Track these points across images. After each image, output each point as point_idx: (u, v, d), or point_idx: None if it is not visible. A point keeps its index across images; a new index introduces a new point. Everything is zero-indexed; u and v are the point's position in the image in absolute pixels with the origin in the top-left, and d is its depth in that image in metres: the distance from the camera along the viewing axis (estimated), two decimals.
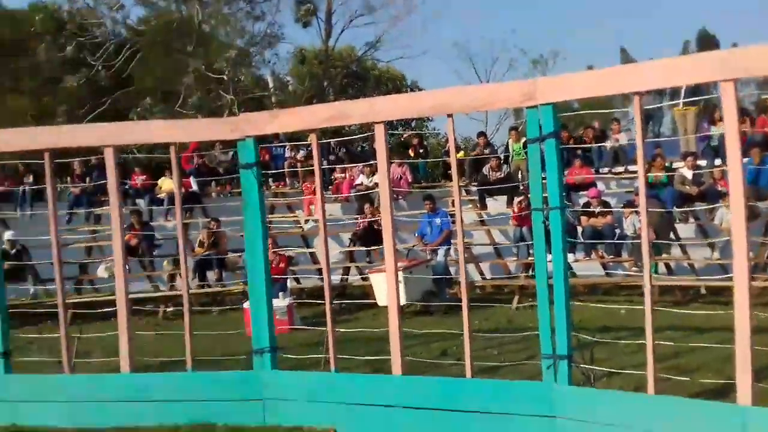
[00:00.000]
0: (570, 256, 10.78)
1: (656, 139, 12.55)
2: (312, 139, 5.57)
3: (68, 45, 20.30)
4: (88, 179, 13.70)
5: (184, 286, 5.78)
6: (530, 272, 10.23)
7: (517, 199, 11.29)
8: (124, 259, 5.79)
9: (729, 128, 3.99)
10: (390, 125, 5.44)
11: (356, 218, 12.12)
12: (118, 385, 5.59)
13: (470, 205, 12.61)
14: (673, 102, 12.67)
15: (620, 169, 12.69)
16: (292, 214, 13.32)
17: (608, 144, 12.67)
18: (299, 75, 27.32)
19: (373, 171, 12.56)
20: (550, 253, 4.65)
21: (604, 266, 10.88)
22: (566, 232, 10.27)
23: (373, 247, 11.24)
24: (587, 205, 10.95)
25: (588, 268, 10.93)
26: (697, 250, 10.65)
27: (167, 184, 13.35)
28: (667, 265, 10.50)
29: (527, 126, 4.84)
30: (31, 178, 14.24)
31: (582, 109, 17.44)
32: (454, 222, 11.17)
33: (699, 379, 4.98)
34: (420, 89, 31.75)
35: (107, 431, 5.31)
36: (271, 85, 24.12)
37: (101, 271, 11.64)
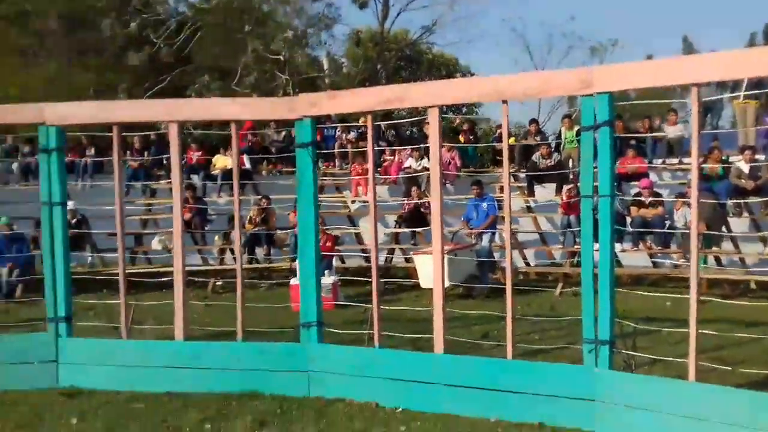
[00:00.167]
0: (617, 246, 10.71)
1: (714, 131, 12.24)
2: (368, 121, 5.67)
3: (132, 21, 20.82)
4: (146, 153, 14.16)
5: (239, 260, 5.99)
6: (575, 260, 10.20)
7: (566, 187, 11.23)
8: (181, 231, 6.02)
9: None
10: (440, 110, 5.52)
11: (403, 201, 12.23)
12: (171, 351, 5.81)
13: (518, 192, 12.58)
14: (734, 94, 12.31)
15: (674, 160, 12.47)
16: (339, 195, 13.50)
17: (665, 134, 12.43)
18: (354, 57, 27.43)
19: (422, 155, 12.63)
20: (597, 241, 4.67)
21: (652, 257, 10.76)
22: (615, 222, 10.30)
23: (418, 229, 11.36)
24: (638, 195, 10.83)
25: (635, 258, 10.83)
26: (749, 244, 10.44)
27: (221, 161, 13.71)
28: (717, 259, 10.34)
29: (582, 114, 4.84)
30: (93, 151, 14.80)
31: (638, 99, 17.10)
32: (500, 207, 11.25)
33: (743, 370, 4.95)
34: (472, 75, 31.57)
35: (160, 396, 5.53)
36: (326, 66, 24.31)
37: (155, 244, 12.06)
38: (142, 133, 13.73)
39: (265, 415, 5.01)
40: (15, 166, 14.26)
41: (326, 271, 9.78)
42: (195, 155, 13.84)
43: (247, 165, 13.57)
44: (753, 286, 9.44)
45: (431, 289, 5.40)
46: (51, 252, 5.96)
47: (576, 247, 10.06)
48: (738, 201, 10.51)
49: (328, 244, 10.64)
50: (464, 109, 24.90)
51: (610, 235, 4.59)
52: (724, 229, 10.34)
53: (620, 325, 5.18)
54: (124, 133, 6.66)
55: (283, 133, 15.26)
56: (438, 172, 5.31)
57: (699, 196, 4.39)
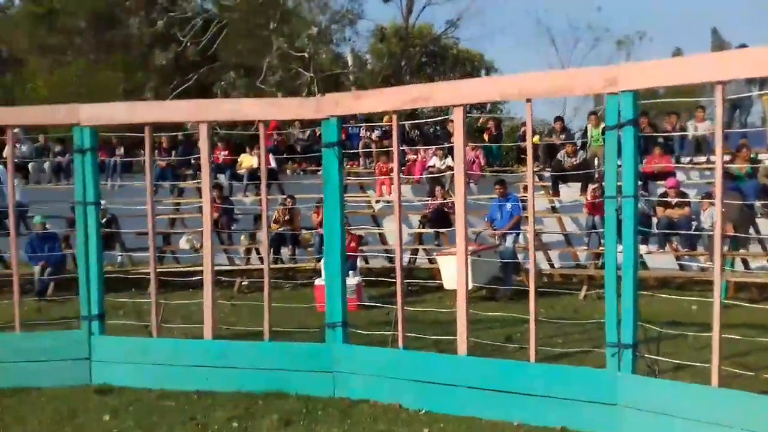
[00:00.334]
0: (643, 248, 10.62)
1: (742, 130, 12.04)
2: (393, 120, 5.73)
3: (159, 20, 21.12)
4: (173, 153, 14.37)
5: (266, 260, 6.10)
6: (600, 262, 10.13)
7: (591, 187, 11.15)
8: (210, 231, 6.13)
9: None
10: (465, 109, 5.55)
11: (427, 200, 12.26)
12: (200, 350, 5.93)
13: (542, 191, 12.52)
14: (764, 92, 12.11)
15: (702, 159, 12.30)
16: (363, 194, 13.56)
17: (689, 132, 12.28)
18: (378, 53, 27.48)
19: (446, 154, 12.64)
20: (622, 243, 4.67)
21: (678, 260, 10.65)
22: (641, 223, 10.21)
23: (442, 230, 11.38)
24: (664, 195, 10.72)
25: (661, 260, 10.73)
26: None
27: (247, 161, 13.86)
28: (745, 261, 10.19)
29: (606, 112, 4.84)
30: (122, 150, 15.05)
31: (667, 95, 16.89)
32: (525, 208, 11.23)
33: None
34: (495, 70, 31.43)
35: (189, 394, 5.65)
36: (350, 63, 24.39)
37: (183, 243, 12.23)
38: (171, 134, 13.95)
39: (290, 415, 5.11)
40: (47, 165, 14.55)
41: (350, 272, 9.84)
42: (221, 154, 14.00)
43: (273, 164, 13.70)
44: None
45: (455, 291, 5.44)
46: (85, 251, 6.12)
47: (601, 248, 9.99)
48: (767, 201, 10.35)
49: (353, 244, 10.71)
50: (489, 107, 24.83)
51: (633, 236, 4.59)
52: (752, 230, 10.20)
53: (644, 329, 5.17)
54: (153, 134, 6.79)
55: (308, 131, 15.38)
56: (462, 172, 5.35)
57: (726, 196, 4.36)
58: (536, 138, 14.00)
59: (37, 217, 11.20)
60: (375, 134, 15.26)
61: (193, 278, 8.96)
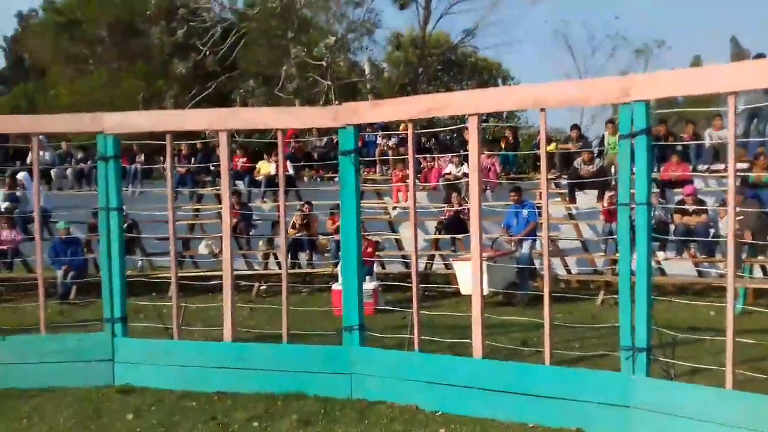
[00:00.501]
0: (660, 254, 10.63)
1: (760, 139, 12.01)
2: (408, 128, 5.83)
3: (179, 29, 21.43)
4: (193, 159, 14.58)
5: (284, 264, 6.21)
6: (617, 268, 10.13)
7: (608, 194, 11.18)
8: (229, 237, 6.26)
9: None
10: (479, 118, 5.63)
11: (443, 207, 12.34)
12: (220, 352, 6.05)
13: (559, 199, 12.55)
14: None
15: (720, 166, 12.27)
16: (380, 201, 13.67)
17: (706, 141, 12.27)
18: (395, 61, 27.64)
19: (462, 161, 12.72)
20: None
21: (697, 266, 10.63)
22: (658, 230, 10.20)
23: (458, 236, 11.45)
24: (681, 202, 10.72)
25: (680, 267, 10.71)
26: None
27: (265, 168, 14.04)
28: (763, 268, 10.16)
29: (620, 122, 4.92)
30: (142, 157, 15.29)
31: (687, 103, 16.83)
32: (541, 214, 11.24)
33: None
34: (512, 78, 31.48)
35: (210, 395, 5.77)
36: (367, 72, 24.56)
37: (202, 248, 12.40)
38: (191, 141, 14.14)
39: (309, 416, 5.20)
40: (69, 172, 14.81)
41: (367, 277, 9.95)
42: (240, 162, 14.18)
43: (290, 171, 13.85)
44: None
45: (471, 296, 5.51)
46: (108, 255, 6.27)
47: (618, 254, 10.00)
48: None
49: (369, 249, 10.81)
50: (505, 115, 24.87)
51: (647, 242, 4.65)
52: None
53: (660, 334, 5.21)
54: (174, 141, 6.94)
55: (325, 139, 15.53)
56: (477, 179, 5.43)
57: (745, 204, 4.41)
58: (553, 146, 14.05)
59: (60, 222, 11.43)
60: (392, 142, 15.38)
61: (212, 282, 9.10)
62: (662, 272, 10.68)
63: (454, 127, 15.38)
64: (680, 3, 52.02)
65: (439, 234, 12.04)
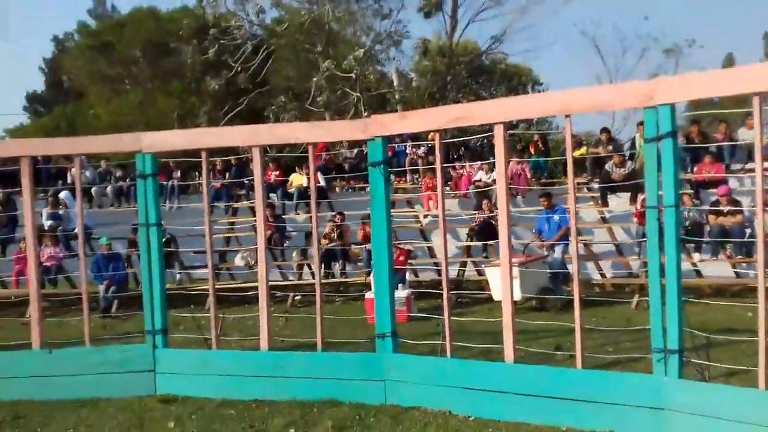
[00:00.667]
0: (696, 256, 10.52)
1: None
2: (435, 138, 5.93)
3: (210, 48, 21.87)
4: (227, 174, 14.89)
5: (317, 274, 6.36)
6: None
7: (641, 197, 11.10)
8: (264, 248, 6.43)
9: None
10: (510, 123, 5.71)
11: (474, 214, 12.38)
12: (257, 361, 6.21)
13: (591, 203, 12.50)
14: None
15: (754, 166, 12.06)
16: (411, 209, 13.77)
17: (740, 140, 12.09)
18: (423, 71, 27.73)
19: (492, 167, 12.76)
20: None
21: (734, 267, 10.48)
22: (693, 231, 10.07)
23: (489, 242, 11.47)
24: (716, 203, 10.59)
25: (717, 269, 10.57)
26: None
27: (297, 180, 14.27)
28: None
29: (645, 125, 4.95)
30: (178, 173, 15.66)
31: (723, 103, 16.57)
32: None
33: None
34: (541, 84, 31.34)
35: (248, 403, 5.92)
36: (395, 82, 24.70)
37: (238, 260, 12.65)
38: (225, 158, 14.45)
39: (344, 422, 5.32)
40: (109, 189, 15.24)
41: (400, 285, 10.04)
42: (273, 175, 14.43)
43: (322, 182, 14.05)
44: None
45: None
46: (148, 269, 6.49)
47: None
48: None
49: (401, 258, 10.91)
50: (536, 120, 24.77)
51: (675, 244, 4.66)
52: None
53: (693, 336, 5.20)
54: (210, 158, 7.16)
55: (356, 150, 15.70)
56: (504, 186, 5.50)
57: None
58: (583, 149, 13.99)
59: (103, 238, 11.78)
60: (421, 151, 15.48)
61: (249, 293, 9.29)
62: (698, 274, 10.55)
63: (483, 135, 15.41)
64: (711, 1, 51.20)
65: (471, 241, 12.09)
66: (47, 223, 13.04)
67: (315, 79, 21.91)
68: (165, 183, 14.65)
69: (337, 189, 15.34)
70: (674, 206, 4.68)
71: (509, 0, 25.07)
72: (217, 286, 6.91)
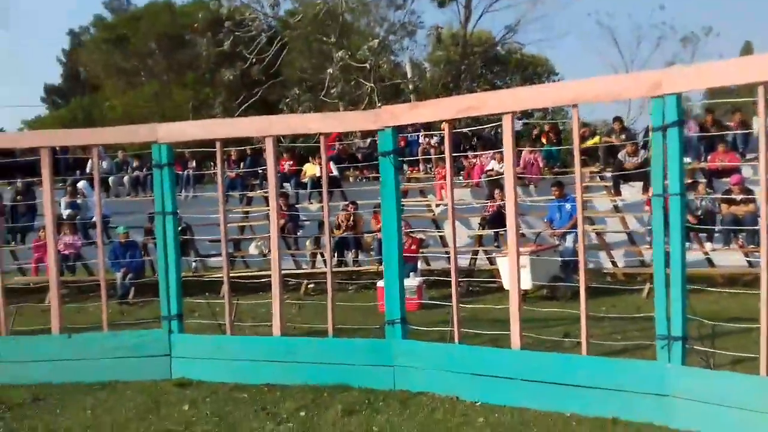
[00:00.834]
0: (708, 245, 10.51)
1: None
2: (445, 128, 6.01)
3: (225, 40, 21.99)
4: (242, 164, 15.04)
5: (329, 261, 6.48)
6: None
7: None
8: (277, 237, 6.56)
9: None
10: (525, 112, 5.79)
11: (486, 203, 12.43)
12: (270, 347, 6.35)
13: (604, 192, 12.50)
14: None
15: None
16: (424, 199, 13.84)
17: (753, 129, 12.02)
18: (437, 61, 27.68)
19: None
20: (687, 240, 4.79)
21: (747, 256, 10.45)
22: (705, 220, 10.05)
23: (501, 230, 11.52)
24: (728, 192, 10.56)
25: (730, 258, 10.55)
26: None
27: (311, 170, 14.37)
28: None
29: (652, 114, 4.99)
30: (194, 163, 15.84)
31: (741, 93, 16.43)
32: (584, 208, 11.19)
33: None
34: (556, 74, 31.17)
35: (261, 387, 6.07)
36: (409, 72, 24.69)
37: (252, 249, 12.81)
38: (240, 147, 14.56)
39: (353, 405, 5.44)
40: (126, 179, 15.45)
41: (411, 274, 10.14)
42: (287, 165, 14.55)
43: (335, 172, 14.15)
44: None
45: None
46: (164, 256, 6.64)
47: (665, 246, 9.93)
48: None
49: (413, 247, 11.01)
50: (550, 109, 24.67)
51: (680, 233, 4.71)
52: None
53: (700, 325, 5.26)
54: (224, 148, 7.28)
55: (369, 140, 15.78)
56: (512, 176, 5.57)
57: None
58: (597, 138, 13.97)
59: (120, 227, 11.98)
60: (434, 140, 15.52)
61: (262, 281, 9.43)
62: (710, 263, 10.55)
63: (496, 123, 15.43)
64: None
65: (483, 230, 12.15)
66: (66, 212, 13.27)
67: (329, 70, 21.95)
68: (180, 173, 14.82)
69: (351, 178, 15.43)
70: (679, 194, 4.73)
71: None
72: (231, 274, 7.04)
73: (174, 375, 6.55)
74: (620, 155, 12.32)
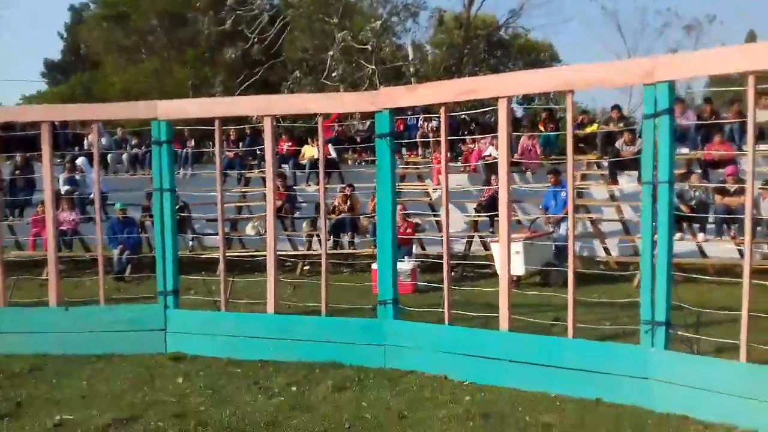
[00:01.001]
0: (700, 236, 10.60)
1: None
2: (441, 112, 6.07)
3: (227, 19, 21.92)
4: (241, 144, 15.07)
5: (323, 241, 6.58)
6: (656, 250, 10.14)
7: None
8: (273, 217, 6.64)
9: None
10: (527, 97, 5.86)
11: (482, 188, 12.50)
12: (264, 323, 6.47)
13: (601, 180, 12.55)
14: None
15: (766, 146, 12.07)
16: (421, 183, 13.89)
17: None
18: (439, 44, 27.61)
19: None
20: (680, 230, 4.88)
21: (739, 247, 10.54)
22: (699, 211, 10.12)
23: (496, 215, 11.60)
24: (723, 183, 10.63)
25: (722, 249, 10.64)
26: None
27: (309, 151, 14.42)
28: None
29: (644, 102, 5.06)
30: (192, 142, 15.87)
31: (744, 82, 16.47)
32: (580, 196, 11.34)
33: None
34: (560, 60, 31.12)
35: (254, 363, 6.19)
36: (410, 55, 24.63)
37: (249, 229, 12.87)
38: (239, 127, 14.56)
39: (344, 382, 5.57)
40: (124, 157, 15.49)
41: (406, 257, 10.24)
42: (285, 145, 14.59)
43: (333, 154, 14.20)
44: None
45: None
46: (161, 232, 6.73)
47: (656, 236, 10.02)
48: None
49: (409, 230, 11.09)
50: (552, 95, 24.64)
51: (668, 221, 4.80)
52: None
53: (692, 312, 5.37)
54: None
55: (368, 122, 15.80)
56: (506, 161, 5.64)
57: None
58: (595, 126, 14.01)
59: (117, 203, 12.05)
60: (433, 124, 15.54)
61: (258, 258, 9.51)
62: (703, 253, 10.64)
63: (493, 107, 15.46)
64: None
65: (478, 215, 12.23)
66: (64, 188, 13.33)
67: (330, 51, 21.91)
68: (179, 151, 14.85)
69: (349, 161, 15.48)
70: (668, 182, 4.81)
71: None
72: (227, 254, 7.13)
73: (169, 349, 6.67)
74: (617, 143, 12.36)
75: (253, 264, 10.01)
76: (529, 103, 23.56)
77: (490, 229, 12.07)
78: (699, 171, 11.42)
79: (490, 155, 13.27)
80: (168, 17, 28.70)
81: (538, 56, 31.46)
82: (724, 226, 10.52)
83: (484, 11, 27.90)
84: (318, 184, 13.15)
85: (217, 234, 7.15)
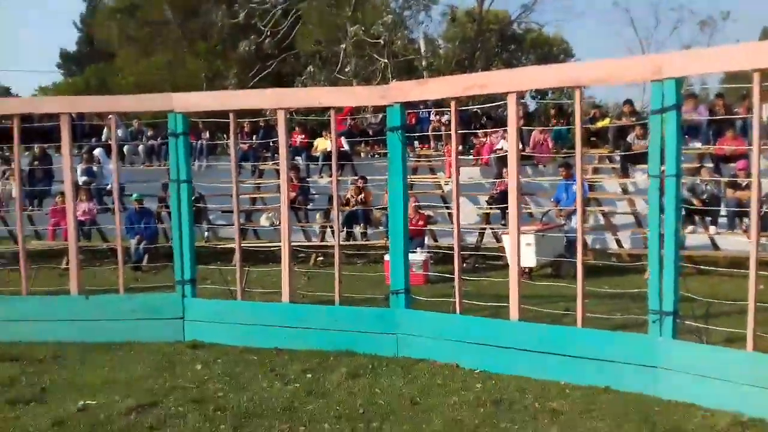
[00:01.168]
0: (712, 229, 10.65)
1: None
2: (451, 105, 6.17)
3: (240, 11, 22.03)
4: (255, 136, 15.22)
5: (337, 232, 6.71)
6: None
7: (662, 168, 11.17)
8: (287, 209, 6.78)
9: None
10: (540, 92, 5.94)
11: (494, 182, 12.58)
12: (279, 312, 6.61)
13: (613, 174, 12.60)
14: None
15: None
16: (433, 176, 13.99)
17: (764, 115, 12.04)
18: (451, 38, 27.61)
19: None
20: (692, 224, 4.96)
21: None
22: (710, 204, 10.15)
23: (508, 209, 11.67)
24: (734, 177, 10.66)
25: (734, 242, 10.67)
26: None
27: (322, 144, 14.55)
28: None
29: (651, 98, 5.13)
30: (207, 134, 16.03)
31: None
32: (592, 189, 11.39)
33: None
34: (573, 55, 31.02)
35: (269, 351, 6.34)
36: (423, 49, 24.65)
37: (263, 220, 13.04)
38: (253, 120, 14.69)
39: (357, 369, 5.70)
40: (140, 148, 15.68)
41: (418, 249, 10.35)
42: (299, 138, 14.72)
43: (346, 147, 14.31)
44: None
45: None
46: (178, 222, 6.88)
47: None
48: None
49: (420, 222, 11.20)
50: (566, 90, 24.61)
51: (675, 213, 4.89)
52: None
53: (700, 304, 5.45)
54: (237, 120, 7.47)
55: (380, 116, 15.89)
56: (516, 156, 5.74)
57: None
58: (607, 120, 14.03)
59: (135, 194, 12.23)
60: (445, 118, 15.60)
61: (273, 248, 9.67)
62: (715, 246, 10.69)
63: (502, 102, 15.48)
64: None
65: (490, 208, 12.32)
66: (81, 179, 13.54)
67: (342, 45, 21.98)
68: (194, 143, 15.01)
69: (362, 154, 15.58)
70: (675, 176, 4.89)
71: None
72: (242, 244, 7.26)
73: (187, 337, 6.84)
74: (629, 137, 12.39)
75: (268, 254, 10.17)
76: (542, 97, 23.53)
77: (502, 222, 12.15)
78: (710, 165, 11.44)
79: (501, 148, 13.34)
80: (181, 9, 28.81)
81: (551, 50, 31.36)
82: (736, 219, 10.57)
83: (496, 7, 27.89)
84: (331, 176, 13.41)
85: (232, 225, 7.30)
